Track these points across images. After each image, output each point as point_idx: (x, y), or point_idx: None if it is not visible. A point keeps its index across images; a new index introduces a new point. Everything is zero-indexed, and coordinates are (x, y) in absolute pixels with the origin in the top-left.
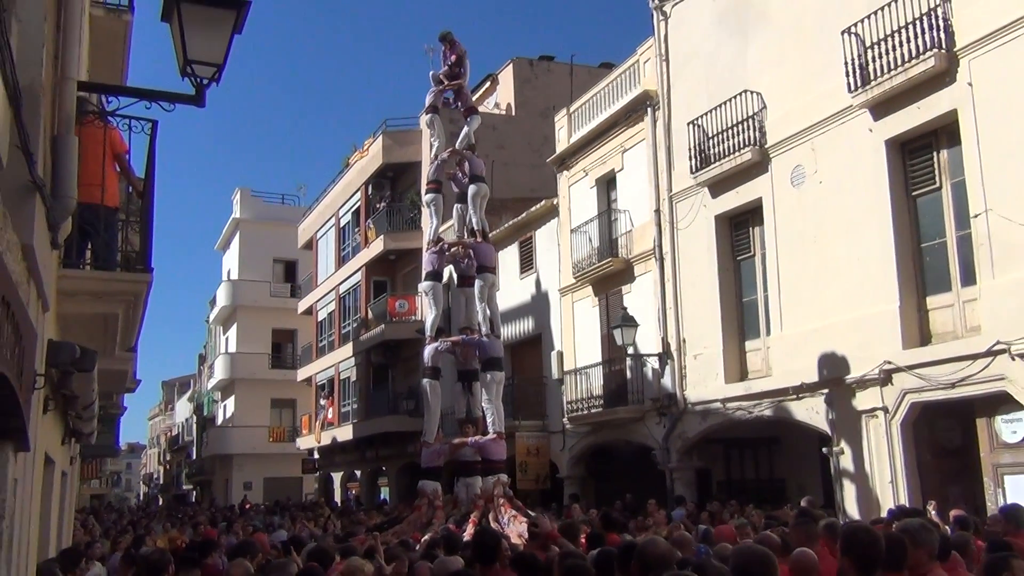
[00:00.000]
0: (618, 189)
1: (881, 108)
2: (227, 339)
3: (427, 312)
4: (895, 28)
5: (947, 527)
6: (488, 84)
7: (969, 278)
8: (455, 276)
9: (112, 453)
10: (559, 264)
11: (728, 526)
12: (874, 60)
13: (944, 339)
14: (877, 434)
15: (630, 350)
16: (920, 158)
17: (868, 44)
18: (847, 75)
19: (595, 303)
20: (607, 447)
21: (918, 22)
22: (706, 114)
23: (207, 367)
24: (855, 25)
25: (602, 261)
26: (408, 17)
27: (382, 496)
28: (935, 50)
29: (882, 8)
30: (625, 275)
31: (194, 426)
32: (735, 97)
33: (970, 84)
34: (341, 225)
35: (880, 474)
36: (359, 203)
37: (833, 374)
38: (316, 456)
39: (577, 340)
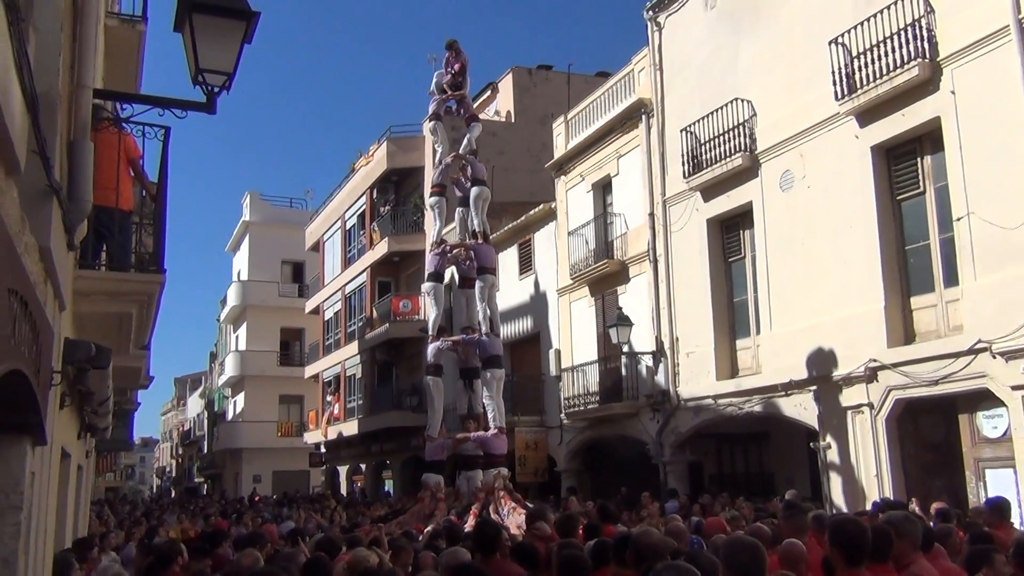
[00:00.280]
0: (614, 193)
1: (867, 115)
2: (237, 337)
3: (430, 312)
4: (881, 39)
5: (931, 523)
6: (488, 92)
7: (952, 279)
8: (457, 277)
9: (126, 447)
10: (557, 265)
11: (718, 518)
12: (860, 69)
13: (927, 338)
14: (863, 429)
15: (625, 348)
16: (904, 163)
17: (854, 54)
18: (834, 84)
19: (591, 303)
20: (603, 442)
21: (903, 33)
22: (698, 121)
23: (218, 364)
24: (842, 36)
25: (598, 263)
26: (412, 29)
27: (386, 489)
28: (919, 60)
29: (868, 19)
30: (620, 276)
31: (205, 421)
32: (726, 105)
33: (953, 92)
34: (347, 228)
35: (866, 468)
36: (364, 207)
37: (820, 371)
38: (323, 450)
39: (574, 339)
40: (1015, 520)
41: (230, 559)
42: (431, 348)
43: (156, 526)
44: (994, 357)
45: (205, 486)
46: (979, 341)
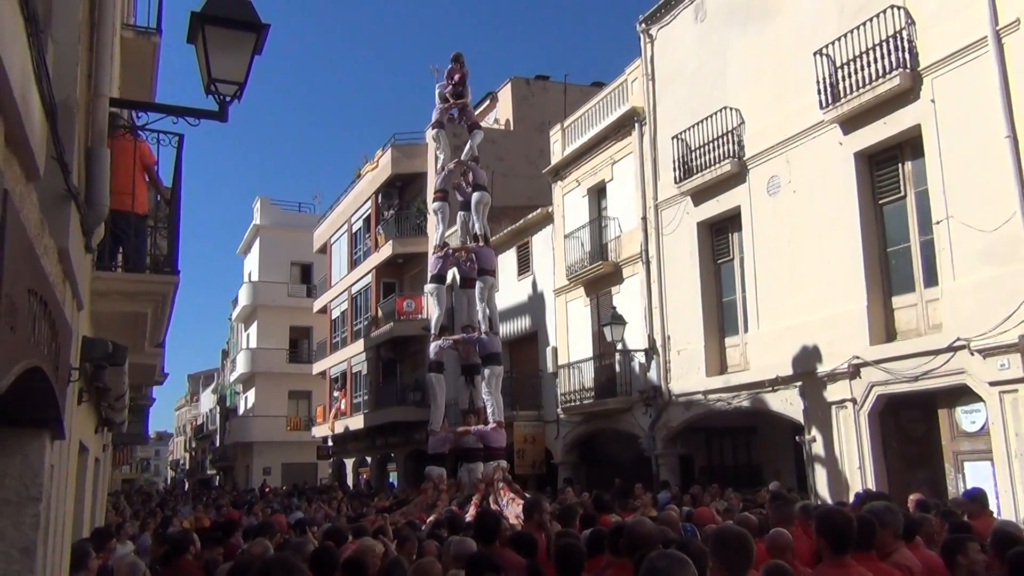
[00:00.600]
0: (608, 198)
1: (850, 123)
2: (248, 336)
3: (432, 311)
4: (863, 49)
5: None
6: (488, 101)
7: (931, 280)
8: (458, 278)
9: (142, 441)
10: (554, 267)
11: (707, 508)
12: (844, 79)
13: (908, 336)
14: (846, 423)
15: (619, 346)
16: (886, 169)
17: (838, 64)
18: (819, 93)
19: (587, 303)
20: (598, 435)
21: (885, 44)
22: (689, 129)
23: (230, 361)
24: (826, 47)
25: (593, 264)
26: (416, 42)
27: (391, 480)
28: (900, 70)
29: (852, 31)
30: (614, 277)
31: (217, 416)
32: (716, 113)
33: (933, 101)
34: (353, 231)
35: (849, 460)
36: (370, 211)
37: (806, 368)
38: (330, 444)
39: (570, 337)
40: (992, 510)
41: (241, 548)
42: (433, 346)
43: (170, 516)
44: (972, 354)
45: (217, 478)
46: (958, 339)
